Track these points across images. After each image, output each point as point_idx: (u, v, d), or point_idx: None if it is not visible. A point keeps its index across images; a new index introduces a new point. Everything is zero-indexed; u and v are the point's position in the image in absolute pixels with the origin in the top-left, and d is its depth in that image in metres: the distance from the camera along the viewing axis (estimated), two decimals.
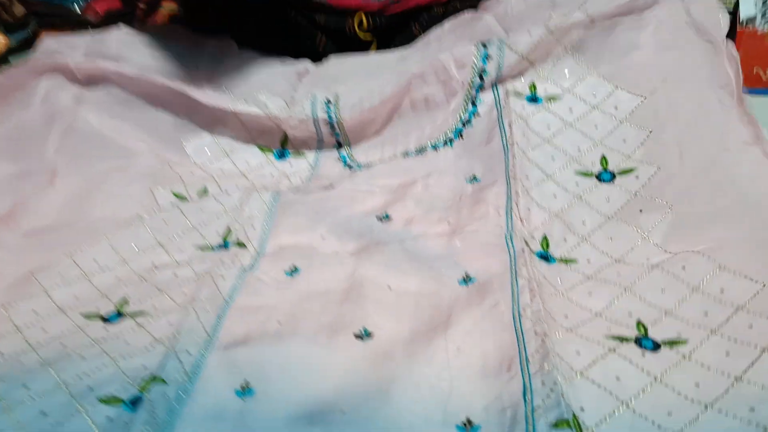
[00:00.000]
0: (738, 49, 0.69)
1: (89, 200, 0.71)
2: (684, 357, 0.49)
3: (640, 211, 0.62)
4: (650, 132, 0.66)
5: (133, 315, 0.57)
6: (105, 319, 0.57)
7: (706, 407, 0.45)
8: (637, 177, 0.64)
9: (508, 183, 0.67)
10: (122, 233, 0.66)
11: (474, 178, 0.70)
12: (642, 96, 0.69)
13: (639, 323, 0.52)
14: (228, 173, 0.75)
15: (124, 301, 0.59)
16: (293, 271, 0.61)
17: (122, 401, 0.48)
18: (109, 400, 0.48)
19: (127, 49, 0.80)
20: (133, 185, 0.72)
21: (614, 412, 0.45)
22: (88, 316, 0.58)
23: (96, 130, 0.75)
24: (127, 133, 0.76)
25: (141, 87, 0.76)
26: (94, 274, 0.62)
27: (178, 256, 0.64)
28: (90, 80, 0.77)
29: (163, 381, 0.48)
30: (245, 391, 0.48)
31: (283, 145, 0.77)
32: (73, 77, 0.77)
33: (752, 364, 0.47)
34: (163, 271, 0.63)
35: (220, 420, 0.47)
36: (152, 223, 0.67)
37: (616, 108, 0.69)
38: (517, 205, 0.64)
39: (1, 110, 0.73)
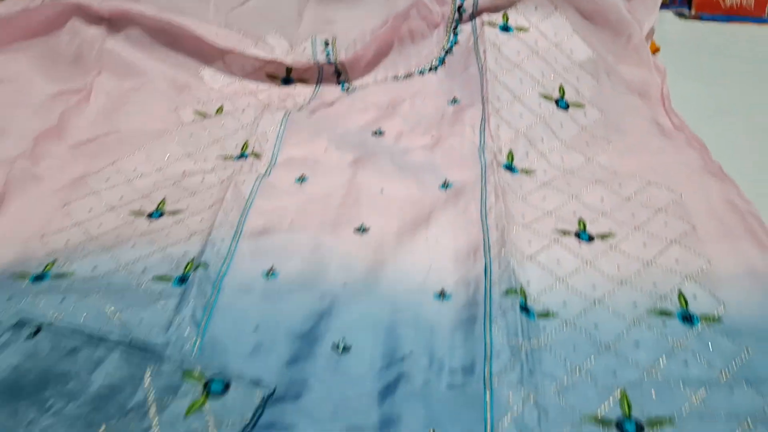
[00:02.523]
0: None
1: (120, 116, 0.82)
2: (611, 247, 0.63)
3: (587, 143, 0.75)
4: (597, 83, 0.79)
5: (172, 213, 0.70)
6: (149, 216, 0.70)
7: (621, 282, 0.59)
8: (585, 114, 0.78)
9: (483, 104, 0.79)
10: (154, 144, 0.78)
11: (454, 100, 0.82)
12: (593, 51, 0.81)
13: (580, 221, 0.66)
14: (241, 94, 0.86)
15: (163, 202, 0.71)
16: (301, 178, 0.74)
17: (172, 279, 0.61)
18: (162, 278, 0.61)
19: None
20: (157, 103, 0.83)
21: (552, 286, 0.59)
22: (134, 214, 0.70)
23: (121, 56, 0.86)
24: (149, 61, 0.87)
25: (160, 25, 0.86)
26: (135, 179, 0.75)
27: (203, 164, 0.76)
28: (112, 18, 0.87)
29: (205, 264, 0.61)
30: (270, 274, 0.62)
31: (288, 74, 0.88)
32: (97, 16, 0.86)
33: (661, 252, 0.62)
34: (192, 178, 0.75)
35: (249, 293, 0.60)
36: (179, 136, 0.79)
37: (571, 52, 0.81)
38: (488, 123, 0.77)
39: (34, 41, 0.83)
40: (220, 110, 0.84)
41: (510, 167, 0.74)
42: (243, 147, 0.78)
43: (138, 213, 0.70)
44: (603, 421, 0.48)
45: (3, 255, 0.64)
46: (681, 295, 0.57)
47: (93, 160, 0.76)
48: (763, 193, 0.67)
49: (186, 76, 0.88)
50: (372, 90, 0.86)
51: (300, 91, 0.88)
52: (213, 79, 0.89)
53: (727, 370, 0.51)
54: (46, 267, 0.63)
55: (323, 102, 0.85)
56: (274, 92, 0.88)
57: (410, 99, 0.84)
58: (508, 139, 0.76)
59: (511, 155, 0.75)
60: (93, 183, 0.74)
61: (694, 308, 0.56)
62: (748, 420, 0.47)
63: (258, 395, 0.49)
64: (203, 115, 0.83)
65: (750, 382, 0.50)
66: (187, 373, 0.50)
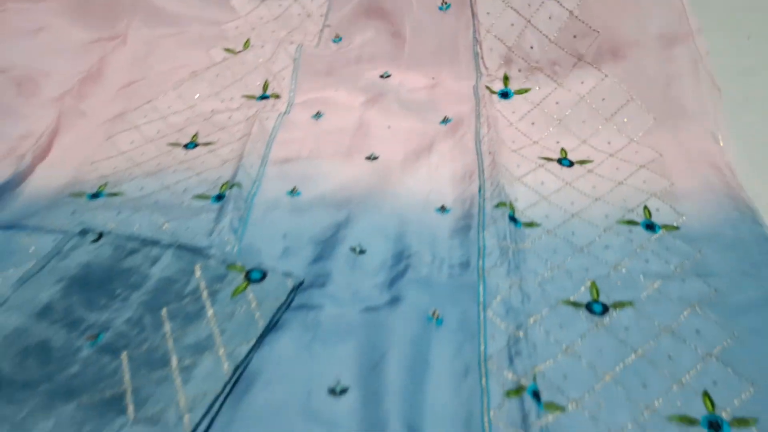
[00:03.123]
0: None
1: (154, 60, 0.91)
2: (589, 171, 0.73)
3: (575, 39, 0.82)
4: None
5: (205, 144, 0.79)
6: (185, 146, 0.79)
7: (595, 199, 0.69)
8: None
9: (473, 17, 0.87)
10: (185, 85, 0.87)
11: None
12: None
13: (562, 149, 0.76)
14: (264, 20, 0.95)
15: (196, 135, 0.81)
16: (317, 115, 0.83)
17: (210, 197, 0.71)
18: (201, 196, 0.71)
19: None
20: (189, 47, 0.92)
21: (537, 202, 0.69)
22: (171, 145, 0.79)
23: (153, 3, 0.94)
24: (180, 5, 0.95)
25: None
26: (169, 116, 0.84)
27: (230, 104, 0.86)
28: None
29: (239, 184, 0.71)
30: (294, 192, 0.71)
31: None
32: None
33: (631, 174, 0.72)
34: (220, 115, 0.84)
35: (277, 208, 0.70)
36: (207, 77, 0.88)
37: None
38: (480, 47, 0.85)
39: None
40: (247, 44, 0.92)
41: (506, 93, 0.83)
42: (264, 87, 0.87)
43: (175, 144, 0.79)
44: (575, 304, 0.58)
45: (60, 177, 0.74)
46: (646, 209, 0.67)
47: (131, 99, 0.85)
48: None
49: (216, 11, 0.96)
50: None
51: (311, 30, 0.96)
52: (240, 5, 0.97)
53: (681, 266, 0.61)
54: (99, 187, 0.72)
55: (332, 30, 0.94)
56: (294, 10, 0.97)
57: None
58: (499, 57, 0.84)
59: (506, 78, 0.84)
60: (132, 119, 0.83)
61: (657, 219, 0.66)
62: (696, 304, 0.57)
63: (290, 283, 0.59)
64: (233, 52, 0.91)
65: (699, 275, 0.60)
66: (230, 266, 0.60)
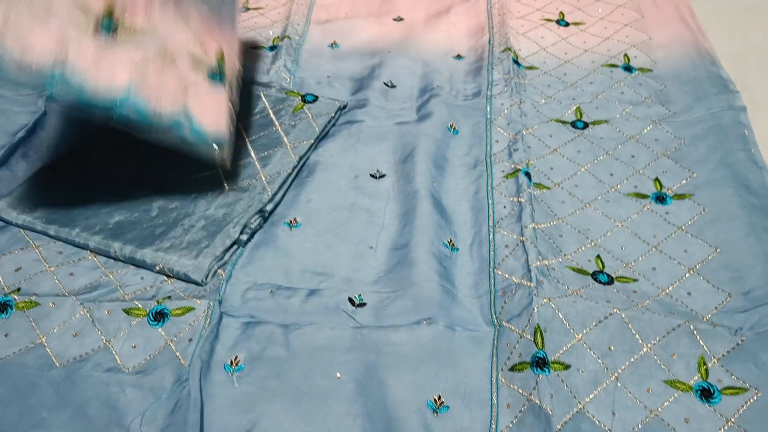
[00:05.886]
0: None
1: None
2: (581, 30, 0.87)
3: None
4: None
5: (255, 8, 0.93)
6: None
7: (585, 51, 0.84)
8: None
9: None
10: None
11: None
12: None
13: (560, 12, 0.90)
14: None
15: (247, 1, 0.95)
16: None
17: (265, 47, 0.85)
18: (257, 46, 0.86)
19: None
20: None
21: (537, 52, 0.84)
22: None
23: None
24: None
25: None
26: None
27: None
28: None
29: (288, 36, 0.85)
30: (334, 45, 0.86)
31: None
32: None
33: (616, 32, 0.86)
34: None
35: (321, 57, 0.84)
36: None
37: None
38: None
39: None
40: None
41: None
42: None
43: None
44: (562, 121, 0.74)
45: None
46: (626, 56, 0.82)
47: None
48: None
49: None
50: None
51: None
52: None
53: (649, 97, 0.76)
54: None
55: None
56: None
57: None
58: None
59: None
60: None
61: (634, 63, 0.81)
62: (657, 121, 0.72)
63: (337, 103, 0.74)
64: None
65: (662, 103, 0.75)
66: (288, 92, 0.76)
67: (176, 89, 0.56)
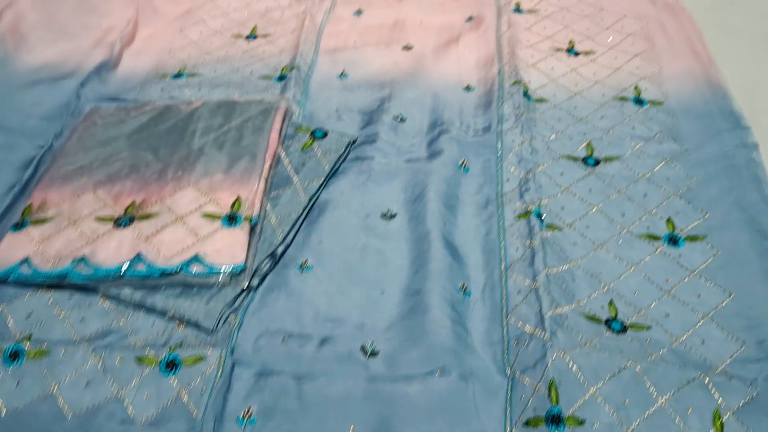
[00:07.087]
0: None
1: None
2: (591, 60, 0.87)
3: None
4: None
5: (264, 36, 0.93)
6: (246, 38, 0.93)
7: (595, 82, 0.83)
8: None
9: None
10: None
11: None
12: None
13: (570, 41, 0.89)
14: None
15: (255, 29, 0.94)
16: (358, 12, 0.96)
17: (274, 77, 0.85)
18: (266, 77, 0.85)
19: None
20: None
21: (547, 84, 0.83)
22: (235, 36, 0.93)
23: None
24: None
25: None
26: (230, 13, 0.97)
27: (281, 2, 0.99)
28: None
29: (298, 66, 0.85)
30: (342, 75, 0.86)
31: None
32: None
33: (626, 62, 0.86)
34: (273, 12, 0.97)
35: (330, 88, 0.84)
36: None
37: None
38: None
39: None
40: None
41: (518, 9, 0.96)
42: None
43: (237, 36, 0.93)
44: (574, 158, 0.73)
45: (145, 62, 0.89)
46: (636, 88, 0.81)
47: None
48: None
49: None
50: None
51: None
52: None
53: (660, 132, 0.76)
54: (179, 70, 0.87)
55: None
56: None
57: None
58: None
59: (517, 3, 0.97)
60: (198, 14, 0.96)
61: (645, 96, 0.80)
62: (669, 159, 0.72)
63: (347, 139, 0.74)
64: None
65: (674, 138, 0.75)
66: (298, 128, 0.75)
67: (186, 241, 0.60)
